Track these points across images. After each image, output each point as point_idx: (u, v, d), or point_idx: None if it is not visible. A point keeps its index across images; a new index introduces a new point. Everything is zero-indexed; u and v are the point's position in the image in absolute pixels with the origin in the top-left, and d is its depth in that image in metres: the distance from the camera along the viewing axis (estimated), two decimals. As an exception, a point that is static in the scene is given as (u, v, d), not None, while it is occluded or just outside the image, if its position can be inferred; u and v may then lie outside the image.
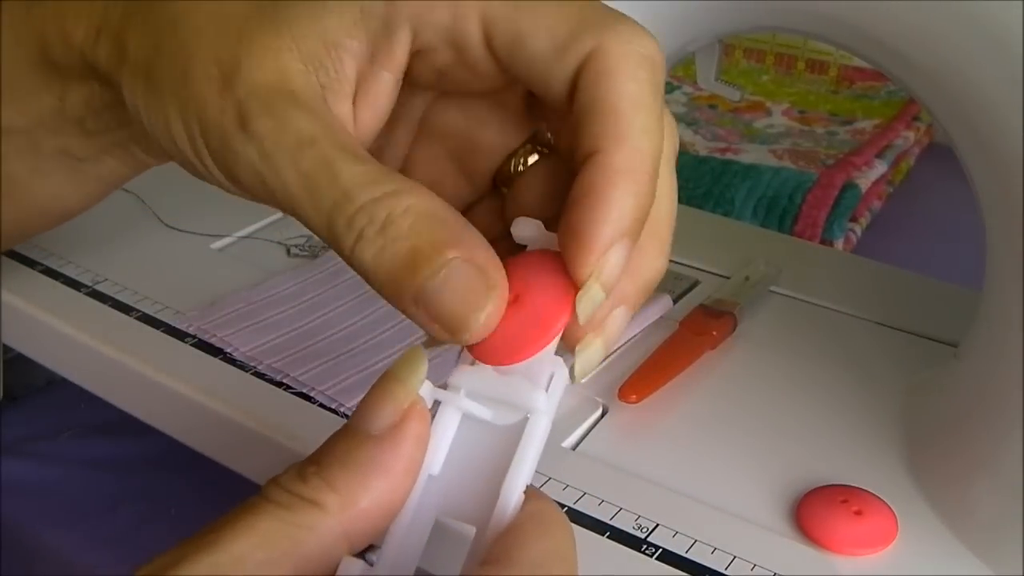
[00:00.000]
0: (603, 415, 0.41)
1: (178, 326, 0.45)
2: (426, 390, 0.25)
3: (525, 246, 0.28)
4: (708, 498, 0.37)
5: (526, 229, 0.27)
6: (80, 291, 0.48)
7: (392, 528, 0.25)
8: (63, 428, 0.48)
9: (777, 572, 0.33)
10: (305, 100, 0.27)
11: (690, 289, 0.50)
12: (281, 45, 0.27)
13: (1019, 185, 0.32)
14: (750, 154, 0.70)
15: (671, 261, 0.53)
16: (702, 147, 0.72)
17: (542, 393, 0.25)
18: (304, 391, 0.42)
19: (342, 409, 0.41)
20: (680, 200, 0.69)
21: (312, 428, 0.40)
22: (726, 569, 0.33)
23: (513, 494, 0.24)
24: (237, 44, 0.28)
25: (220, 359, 0.43)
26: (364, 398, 0.25)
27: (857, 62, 0.82)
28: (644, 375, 0.42)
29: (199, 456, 0.43)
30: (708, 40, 0.40)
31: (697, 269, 0.51)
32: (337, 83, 0.28)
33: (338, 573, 0.24)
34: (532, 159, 0.30)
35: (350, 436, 0.25)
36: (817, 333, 0.47)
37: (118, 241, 0.52)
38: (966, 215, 0.40)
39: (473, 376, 0.25)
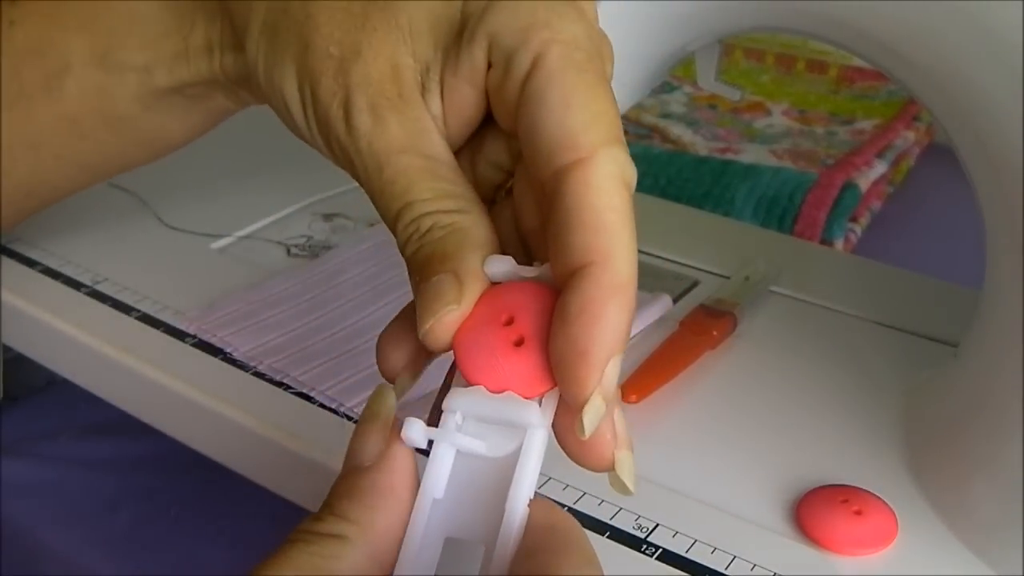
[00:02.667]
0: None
1: (178, 326, 0.45)
2: (418, 431, 0.26)
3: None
4: (708, 498, 0.37)
5: (500, 266, 0.27)
6: (80, 291, 0.48)
7: (402, 553, 0.25)
8: (63, 428, 0.48)
9: (777, 572, 0.33)
10: (408, 100, 0.29)
11: (690, 289, 0.50)
12: (399, 39, 0.29)
13: (1019, 185, 0.32)
14: (750, 154, 0.70)
15: (671, 261, 0.53)
16: (702, 147, 0.72)
17: (535, 408, 0.26)
18: (304, 391, 0.42)
19: (342, 409, 0.41)
20: (680, 200, 0.69)
21: (312, 428, 0.40)
22: (726, 569, 0.33)
23: (517, 509, 0.25)
24: (360, 30, 0.30)
25: (220, 359, 0.43)
26: (350, 440, 0.27)
27: (857, 62, 0.82)
28: (644, 375, 0.42)
29: (199, 456, 0.43)
30: (708, 40, 0.40)
31: (697, 269, 0.51)
32: (435, 85, 0.30)
33: None
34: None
35: (347, 474, 0.27)
36: (817, 333, 0.47)
37: (118, 241, 0.52)
38: (966, 215, 0.40)
39: (468, 397, 0.26)
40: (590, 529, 0.35)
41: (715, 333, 0.45)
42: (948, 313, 0.47)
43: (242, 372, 0.43)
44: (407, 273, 0.28)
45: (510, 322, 0.26)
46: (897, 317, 0.47)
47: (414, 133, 0.29)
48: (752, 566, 0.33)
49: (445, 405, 0.26)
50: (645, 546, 0.34)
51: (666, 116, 0.77)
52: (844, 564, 0.34)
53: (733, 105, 0.78)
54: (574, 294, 0.25)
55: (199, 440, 0.43)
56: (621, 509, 0.36)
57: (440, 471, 0.26)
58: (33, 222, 0.48)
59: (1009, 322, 0.35)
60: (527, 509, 0.25)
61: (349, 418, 0.40)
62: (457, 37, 0.29)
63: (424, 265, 0.27)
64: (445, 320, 0.26)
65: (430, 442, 0.26)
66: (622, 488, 0.27)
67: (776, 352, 0.45)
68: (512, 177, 0.31)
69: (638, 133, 0.74)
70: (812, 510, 0.35)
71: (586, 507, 0.36)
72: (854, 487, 0.36)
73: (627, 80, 0.40)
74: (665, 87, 0.82)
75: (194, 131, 0.42)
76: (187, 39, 0.37)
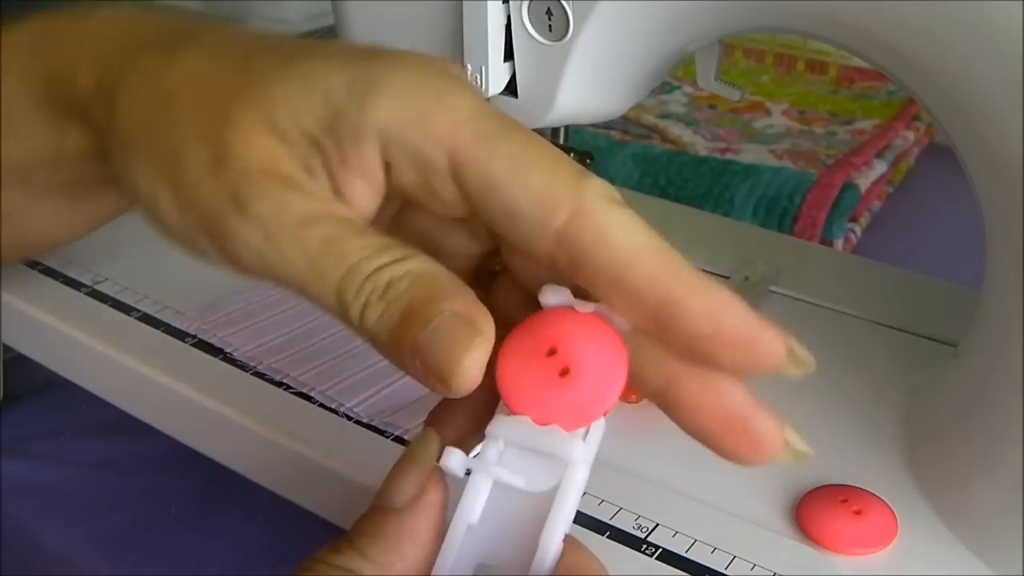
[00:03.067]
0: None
1: (178, 326, 0.45)
2: (458, 460, 0.26)
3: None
4: (708, 498, 0.37)
5: (555, 297, 0.27)
6: (80, 291, 0.48)
7: (434, 574, 0.25)
8: (63, 428, 0.48)
9: (777, 572, 0.33)
10: (298, 182, 0.27)
11: (690, 289, 0.49)
12: (265, 130, 0.27)
13: (1019, 185, 0.32)
14: (750, 154, 0.70)
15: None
16: (702, 147, 0.72)
17: (580, 443, 0.26)
18: (304, 391, 0.42)
19: (342, 409, 0.41)
20: (680, 200, 0.69)
21: (312, 428, 0.40)
22: (726, 569, 0.33)
23: (552, 543, 0.25)
24: (225, 126, 0.27)
25: (220, 359, 0.43)
26: (386, 478, 0.27)
27: (857, 62, 0.82)
28: (644, 375, 0.42)
29: (199, 456, 0.43)
30: (708, 40, 0.40)
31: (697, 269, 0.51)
32: (319, 169, 0.28)
33: None
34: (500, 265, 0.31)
35: (376, 512, 0.26)
36: (817, 333, 0.47)
37: (118, 241, 0.52)
38: (966, 215, 0.40)
39: (511, 426, 0.26)
40: (590, 529, 0.35)
41: (715, 333, 0.45)
42: (948, 313, 0.47)
43: (242, 372, 0.43)
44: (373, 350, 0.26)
45: (554, 351, 0.26)
46: (897, 317, 0.47)
47: (322, 201, 0.27)
48: (752, 566, 0.33)
49: (488, 431, 0.26)
50: (645, 546, 0.34)
51: (666, 116, 0.77)
52: (844, 564, 0.34)
53: (733, 105, 0.78)
54: (693, 320, 0.25)
55: (199, 440, 0.43)
56: (621, 509, 0.36)
57: (477, 499, 0.26)
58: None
59: (1009, 322, 0.35)
60: (562, 544, 0.25)
61: (349, 418, 0.40)
62: (330, 130, 0.27)
63: (405, 323, 0.25)
64: (477, 358, 0.25)
65: (468, 471, 0.26)
66: (799, 456, 0.27)
67: (776, 352, 0.45)
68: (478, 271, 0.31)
69: (638, 133, 0.74)
70: (812, 510, 0.35)
71: (586, 507, 0.36)
72: (854, 487, 0.36)
73: (627, 80, 0.40)
74: (665, 87, 0.82)
75: (83, 229, 0.39)
76: (62, 137, 0.34)
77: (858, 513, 0.35)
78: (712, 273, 0.51)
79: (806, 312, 0.48)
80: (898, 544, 0.35)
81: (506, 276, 0.30)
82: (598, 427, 0.26)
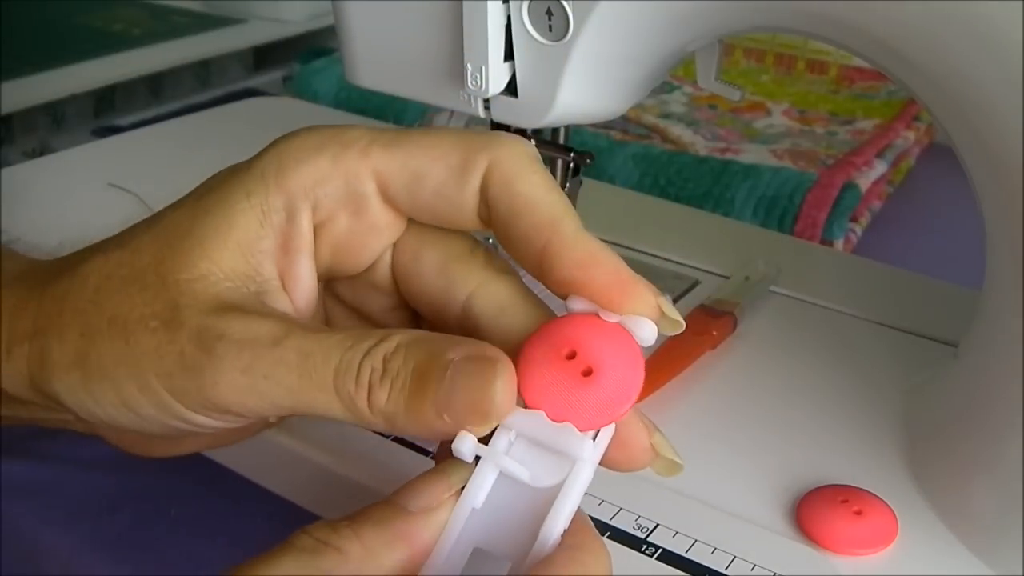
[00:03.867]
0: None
1: (178, 326, 0.45)
2: (469, 446, 0.26)
3: None
4: (708, 498, 0.37)
5: (582, 305, 0.27)
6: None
7: (433, 554, 0.26)
8: (63, 428, 0.47)
9: (777, 572, 0.33)
10: (252, 309, 0.28)
11: (690, 289, 0.50)
12: (203, 273, 0.28)
13: (1019, 185, 0.32)
14: (750, 154, 0.70)
15: (671, 261, 0.53)
16: (702, 147, 0.72)
17: (589, 443, 0.26)
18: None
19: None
20: (680, 200, 0.69)
21: (312, 428, 0.40)
22: (726, 569, 0.33)
23: (550, 537, 0.26)
24: (163, 290, 0.28)
25: (220, 359, 0.43)
26: (411, 481, 0.27)
27: (857, 62, 0.82)
28: (644, 374, 0.42)
29: (199, 456, 0.43)
30: (708, 40, 0.40)
31: (697, 269, 0.51)
32: (266, 284, 0.29)
33: None
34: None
35: (388, 506, 0.26)
36: (817, 333, 0.47)
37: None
38: (966, 215, 0.40)
39: (526, 420, 0.26)
40: (590, 529, 0.35)
41: (715, 333, 0.45)
42: (948, 313, 0.47)
43: (242, 372, 0.43)
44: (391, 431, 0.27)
45: (575, 354, 0.26)
46: (897, 317, 0.47)
47: (280, 318, 0.28)
48: (752, 566, 0.33)
49: (502, 422, 0.27)
50: (645, 546, 0.34)
51: (666, 116, 0.77)
52: (844, 564, 0.34)
53: (733, 105, 0.78)
54: (566, 269, 0.27)
55: (199, 440, 0.43)
56: (621, 509, 0.36)
57: (482, 485, 0.26)
58: (33, 222, 0.48)
59: (1009, 322, 0.35)
60: (559, 538, 0.26)
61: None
62: (263, 225, 0.29)
63: (419, 388, 0.26)
64: (507, 382, 0.26)
65: (477, 457, 0.26)
66: (670, 467, 0.28)
67: (776, 352, 0.45)
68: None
69: (638, 133, 0.74)
70: (812, 510, 0.35)
71: (586, 507, 0.35)
72: (854, 487, 0.36)
73: (627, 80, 0.40)
74: (665, 87, 0.82)
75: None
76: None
77: (858, 513, 0.35)
78: (712, 273, 0.51)
79: (806, 312, 0.48)
80: (898, 544, 0.35)
81: None
82: (607, 431, 0.27)
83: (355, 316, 0.33)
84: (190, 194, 0.30)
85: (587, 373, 0.26)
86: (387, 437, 0.40)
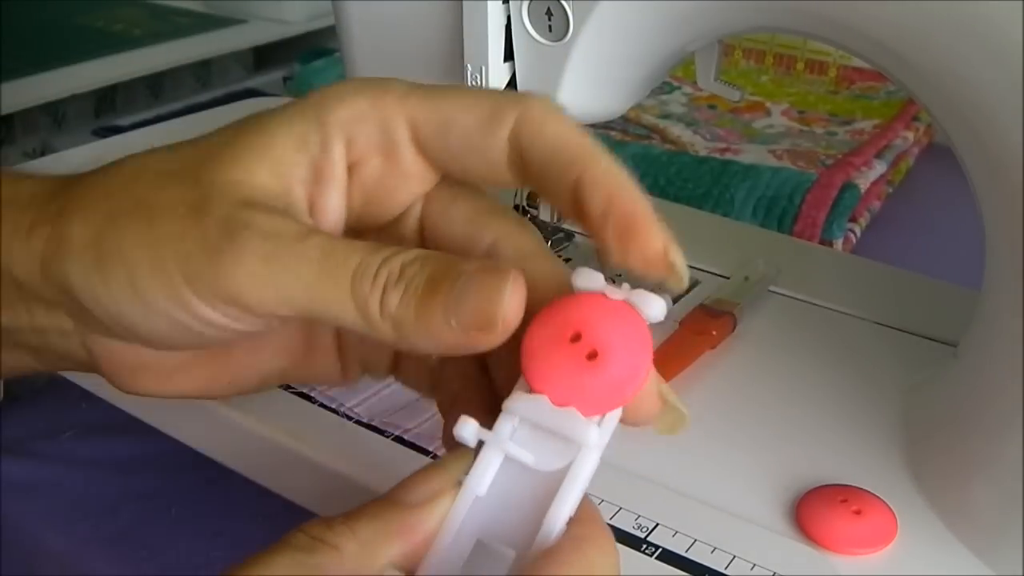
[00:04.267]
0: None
1: (178, 326, 0.45)
2: (471, 431, 0.26)
3: None
4: (708, 498, 0.37)
5: (588, 281, 0.27)
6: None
7: (436, 543, 0.25)
8: (63, 428, 0.48)
9: (777, 572, 0.33)
10: (279, 210, 0.28)
11: (690, 289, 0.50)
12: (238, 179, 0.28)
13: (1019, 185, 0.33)
14: (750, 154, 0.70)
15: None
16: (702, 147, 0.72)
17: (595, 428, 0.26)
18: (304, 391, 0.42)
19: (342, 409, 0.41)
20: (680, 200, 0.69)
21: (312, 428, 0.40)
22: (726, 569, 0.33)
23: (555, 525, 0.25)
24: (197, 185, 0.28)
25: (220, 359, 0.43)
26: (409, 476, 0.27)
27: (857, 62, 0.82)
28: (644, 375, 0.42)
29: (199, 456, 0.43)
30: (708, 40, 0.40)
31: (697, 269, 0.51)
32: (294, 206, 0.29)
33: None
34: None
35: (385, 501, 0.26)
36: (817, 333, 0.47)
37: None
38: (966, 215, 0.40)
39: (529, 404, 0.26)
40: (590, 529, 0.35)
41: (715, 333, 0.45)
42: (948, 313, 0.47)
43: (242, 372, 0.43)
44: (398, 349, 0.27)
45: (580, 336, 0.26)
46: (897, 317, 0.47)
47: (306, 223, 0.28)
48: (752, 566, 0.33)
49: (505, 406, 0.26)
50: (645, 546, 0.34)
51: (666, 116, 0.77)
52: (844, 564, 0.34)
53: (733, 105, 0.78)
54: (593, 203, 0.27)
55: (199, 440, 0.43)
56: (621, 509, 0.36)
57: (486, 471, 0.26)
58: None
59: (1009, 322, 0.35)
60: (564, 526, 0.25)
61: (349, 418, 0.40)
62: (299, 149, 0.29)
63: (431, 292, 0.26)
64: (515, 294, 0.26)
65: (480, 443, 0.26)
66: (677, 420, 0.28)
67: (776, 352, 0.45)
68: None
69: (638, 133, 0.74)
70: (812, 510, 0.35)
71: (586, 507, 0.36)
72: (854, 487, 0.36)
73: (627, 80, 0.40)
74: (665, 87, 0.82)
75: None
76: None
77: (858, 513, 0.35)
78: (712, 273, 0.51)
79: (806, 312, 0.48)
80: (898, 544, 0.35)
81: None
82: (613, 416, 0.26)
83: None
84: (232, 122, 0.31)
85: (592, 356, 0.26)
86: (387, 437, 0.40)
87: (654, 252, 0.27)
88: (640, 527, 0.35)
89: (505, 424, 0.26)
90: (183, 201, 0.28)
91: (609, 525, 0.35)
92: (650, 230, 0.27)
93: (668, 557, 0.34)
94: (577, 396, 0.26)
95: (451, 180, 0.31)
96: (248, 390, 0.33)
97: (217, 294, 0.27)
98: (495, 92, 0.30)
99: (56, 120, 0.80)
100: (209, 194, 0.28)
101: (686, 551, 0.34)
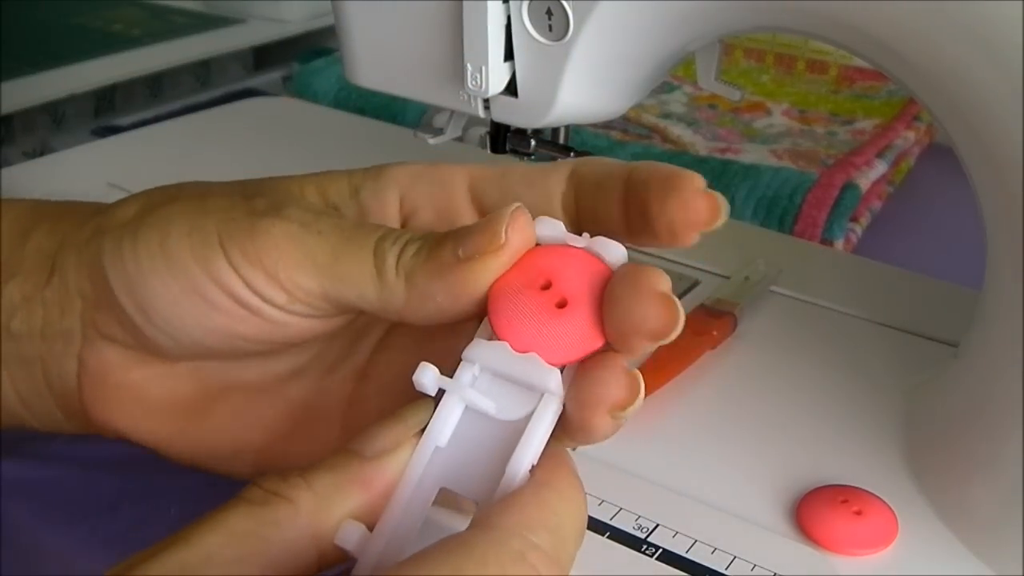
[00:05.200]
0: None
1: (178, 326, 0.45)
2: (431, 378, 0.26)
3: None
4: (708, 498, 0.37)
5: (549, 230, 0.27)
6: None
7: (395, 495, 0.25)
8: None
9: (777, 572, 0.33)
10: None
11: (690, 289, 0.50)
12: (287, 189, 0.32)
13: (1019, 185, 0.32)
14: (750, 154, 0.70)
15: (671, 261, 0.53)
16: (702, 147, 0.72)
17: (557, 375, 0.25)
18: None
19: (342, 409, 0.41)
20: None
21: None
22: (726, 569, 0.33)
23: (518, 473, 0.25)
24: (252, 185, 0.32)
25: (220, 359, 0.43)
26: (366, 428, 0.26)
27: (857, 62, 0.82)
28: (644, 375, 0.42)
29: (199, 456, 0.43)
30: (708, 40, 0.40)
31: (697, 269, 0.51)
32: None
33: (337, 536, 0.24)
34: None
35: (343, 453, 0.26)
36: (817, 333, 0.47)
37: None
38: (966, 215, 0.40)
39: (489, 351, 0.26)
40: (590, 529, 0.35)
41: (715, 333, 0.45)
42: (948, 313, 0.47)
43: (242, 372, 0.42)
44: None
45: (549, 285, 0.26)
46: (897, 317, 0.47)
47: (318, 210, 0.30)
48: (752, 566, 0.33)
49: (464, 355, 0.26)
50: (645, 546, 0.34)
51: (666, 116, 0.77)
52: (844, 564, 0.34)
53: (733, 105, 0.78)
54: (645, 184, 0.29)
55: (199, 440, 0.43)
56: (621, 509, 0.36)
57: (447, 421, 0.26)
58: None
59: (1009, 322, 0.35)
60: (527, 475, 0.25)
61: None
62: (352, 196, 0.32)
63: (437, 243, 0.27)
64: (521, 215, 0.27)
65: (440, 391, 0.26)
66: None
67: (776, 352, 0.45)
68: None
69: (638, 133, 0.74)
70: (812, 510, 0.35)
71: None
72: (854, 487, 0.36)
73: (627, 80, 0.40)
74: (665, 87, 0.82)
75: None
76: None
77: (858, 513, 0.35)
78: (712, 273, 0.51)
79: (806, 312, 0.48)
80: (898, 544, 0.35)
81: None
82: (572, 368, 0.26)
83: None
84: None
85: (562, 304, 0.25)
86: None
87: (697, 187, 0.28)
88: (640, 528, 0.35)
89: (465, 372, 0.26)
90: (236, 191, 0.31)
91: (609, 525, 0.35)
92: (683, 174, 0.28)
93: (668, 558, 0.34)
94: (541, 343, 0.25)
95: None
96: (216, 456, 0.33)
97: (246, 255, 0.28)
98: (538, 167, 0.32)
99: (55, 120, 0.80)
100: (260, 190, 0.31)
101: (686, 552, 0.34)
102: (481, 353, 0.26)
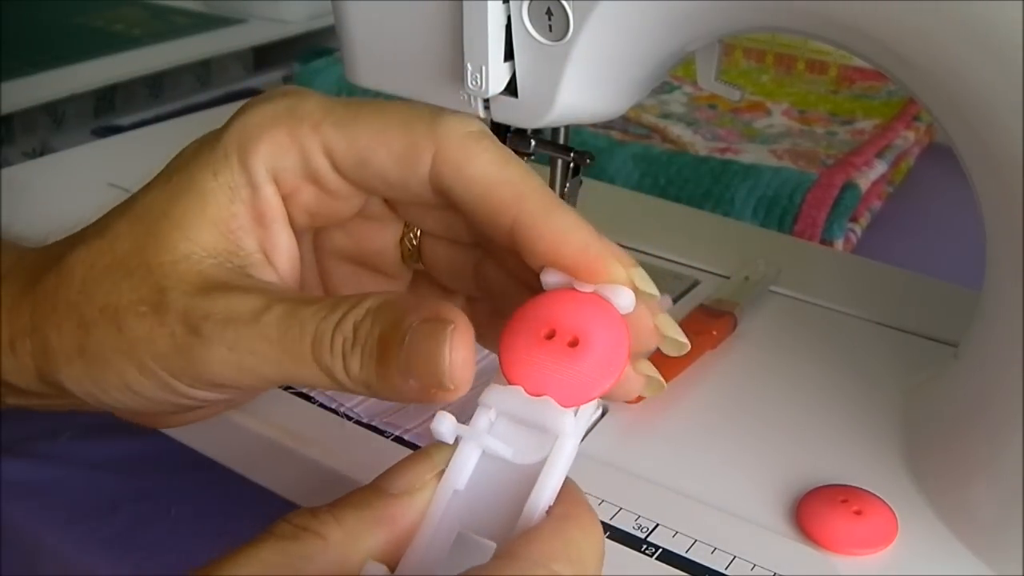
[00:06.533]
0: (603, 415, 0.41)
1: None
2: (448, 426, 0.26)
3: None
4: (708, 498, 0.37)
5: (555, 278, 0.27)
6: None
7: (417, 538, 0.25)
8: (63, 428, 0.47)
9: (777, 572, 0.33)
10: (235, 285, 0.29)
11: (690, 289, 0.50)
12: (186, 253, 0.29)
13: (1019, 185, 0.32)
14: (750, 154, 0.70)
15: (671, 261, 0.53)
16: (702, 147, 0.72)
17: (570, 417, 0.26)
18: (304, 391, 0.42)
19: (342, 409, 0.41)
20: (680, 200, 0.69)
21: (312, 428, 0.40)
22: (726, 569, 0.33)
23: (535, 514, 0.25)
24: (148, 274, 0.29)
25: (220, 359, 0.43)
26: (394, 465, 0.27)
27: (857, 62, 0.82)
28: (644, 375, 0.42)
29: (199, 456, 0.43)
30: (708, 40, 0.40)
31: (697, 269, 0.51)
32: (248, 257, 0.30)
33: (361, 574, 0.24)
34: (416, 232, 0.33)
35: (370, 489, 0.26)
36: (817, 333, 0.47)
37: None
38: (966, 215, 0.40)
39: (504, 396, 0.26)
40: (590, 529, 0.35)
41: (715, 333, 0.45)
42: (948, 313, 0.47)
43: (242, 372, 0.43)
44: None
45: (554, 333, 0.26)
46: (897, 317, 0.47)
47: (260, 290, 0.29)
48: (752, 566, 0.33)
49: (481, 400, 0.26)
50: (645, 546, 0.34)
51: (666, 116, 0.77)
52: (844, 564, 0.34)
53: (733, 105, 0.78)
54: (537, 244, 0.27)
55: (199, 440, 0.43)
56: (621, 509, 0.36)
57: (464, 466, 0.26)
58: (33, 222, 0.48)
59: (1009, 322, 0.35)
60: (544, 515, 0.25)
61: (349, 418, 0.40)
62: (232, 203, 0.30)
63: (384, 353, 0.26)
64: (459, 347, 0.26)
65: (457, 439, 0.26)
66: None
67: (776, 352, 0.45)
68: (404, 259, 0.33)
69: (638, 133, 0.74)
70: (812, 510, 0.35)
71: (586, 507, 0.36)
72: (854, 487, 0.36)
73: (627, 80, 0.40)
74: (665, 87, 0.82)
75: None
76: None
77: (858, 513, 0.35)
78: (712, 273, 0.51)
79: (806, 312, 0.48)
80: (898, 544, 0.35)
81: (425, 238, 0.33)
82: (589, 406, 0.26)
83: (355, 264, 0.34)
84: (160, 175, 0.31)
85: (573, 345, 0.26)
86: (387, 437, 0.40)
87: (620, 280, 0.27)
88: (640, 527, 0.35)
89: (481, 418, 0.26)
90: (141, 300, 0.29)
91: (609, 525, 0.35)
92: (607, 264, 0.27)
93: (668, 557, 0.34)
94: (553, 386, 0.26)
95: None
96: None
97: (201, 381, 0.29)
98: (408, 118, 0.29)
99: (56, 120, 0.80)
100: (163, 285, 0.29)
101: (686, 551, 0.34)
102: (496, 398, 0.26)
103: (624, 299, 0.27)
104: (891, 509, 0.36)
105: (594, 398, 0.26)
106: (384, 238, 0.33)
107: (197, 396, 0.29)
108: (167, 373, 0.29)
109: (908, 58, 0.34)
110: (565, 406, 0.26)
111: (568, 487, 0.26)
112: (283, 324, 0.27)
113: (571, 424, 0.26)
